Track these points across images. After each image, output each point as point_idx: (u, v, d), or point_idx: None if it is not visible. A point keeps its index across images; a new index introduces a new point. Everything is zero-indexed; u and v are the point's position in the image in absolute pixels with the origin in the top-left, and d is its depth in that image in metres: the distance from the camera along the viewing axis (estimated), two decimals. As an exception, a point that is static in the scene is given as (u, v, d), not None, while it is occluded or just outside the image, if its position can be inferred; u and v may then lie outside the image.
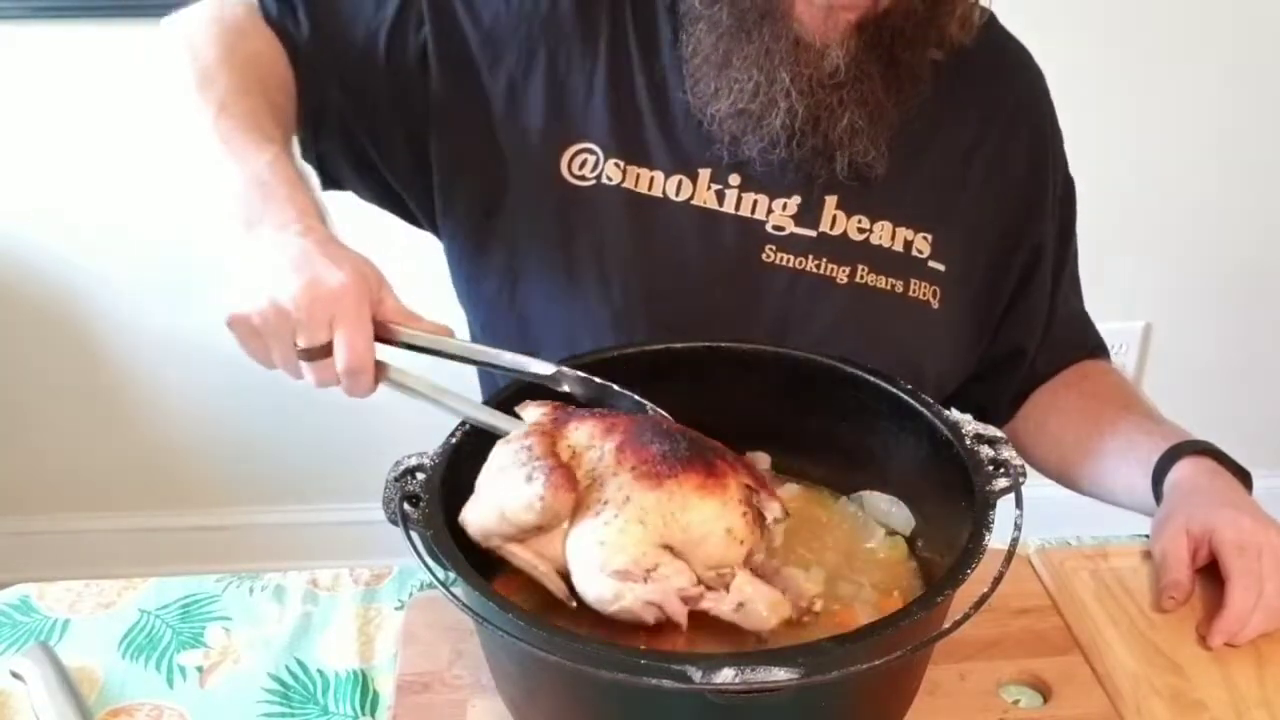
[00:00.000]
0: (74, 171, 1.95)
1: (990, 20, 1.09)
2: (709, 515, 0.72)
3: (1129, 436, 1.07)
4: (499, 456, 0.76)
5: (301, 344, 0.79)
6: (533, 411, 0.81)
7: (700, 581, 0.73)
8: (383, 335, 0.81)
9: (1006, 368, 1.15)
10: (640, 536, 0.71)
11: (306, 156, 1.07)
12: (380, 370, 0.81)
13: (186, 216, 1.96)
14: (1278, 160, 2.09)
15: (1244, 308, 2.22)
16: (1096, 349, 1.19)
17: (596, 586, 0.72)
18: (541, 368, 0.84)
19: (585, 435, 0.77)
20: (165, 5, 1.77)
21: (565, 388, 0.84)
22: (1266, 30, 1.99)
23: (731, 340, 0.91)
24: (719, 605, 0.73)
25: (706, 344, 0.90)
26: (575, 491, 0.73)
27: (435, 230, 1.11)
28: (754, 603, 0.73)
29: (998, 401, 1.18)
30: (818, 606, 0.78)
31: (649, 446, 0.74)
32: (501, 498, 0.74)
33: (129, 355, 2.10)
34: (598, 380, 0.84)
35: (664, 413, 0.81)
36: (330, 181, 1.10)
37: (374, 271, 0.82)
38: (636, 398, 0.83)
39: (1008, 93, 1.11)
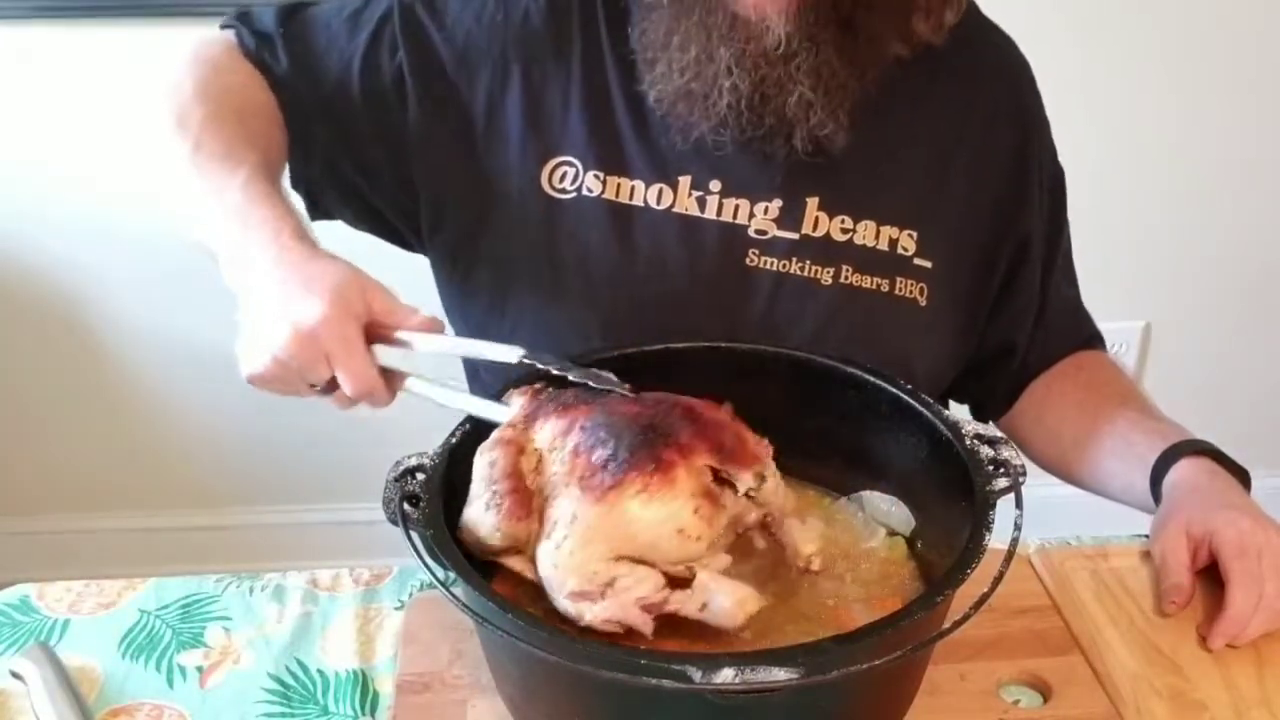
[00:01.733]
0: (74, 171, 1.95)
1: (972, 10, 1.08)
2: (654, 520, 0.71)
3: (1126, 435, 1.07)
4: (476, 468, 0.77)
5: (313, 382, 0.82)
6: (515, 402, 0.81)
7: (670, 578, 0.72)
8: (381, 339, 0.82)
9: (998, 362, 1.15)
10: (588, 556, 0.71)
11: (296, 186, 1.08)
12: (393, 379, 0.82)
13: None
14: (1278, 159, 2.10)
15: (1244, 307, 2.22)
16: (1092, 339, 1.19)
17: (562, 605, 0.73)
18: (509, 355, 0.83)
19: (549, 435, 0.77)
20: (165, 6, 1.78)
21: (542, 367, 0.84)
22: (1271, 29, 1.99)
23: (730, 341, 0.91)
24: (685, 606, 0.72)
25: (706, 344, 0.90)
26: (528, 518, 0.73)
27: (425, 252, 1.11)
28: (717, 601, 0.72)
29: (992, 396, 1.18)
30: (815, 565, 0.78)
31: (594, 450, 0.73)
32: (473, 521, 0.75)
33: (129, 355, 2.10)
34: (555, 371, 0.82)
35: (624, 390, 0.79)
36: (319, 211, 1.11)
37: (354, 281, 0.81)
38: (597, 376, 0.81)
39: (989, 86, 1.10)
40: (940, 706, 0.83)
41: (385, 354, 0.81)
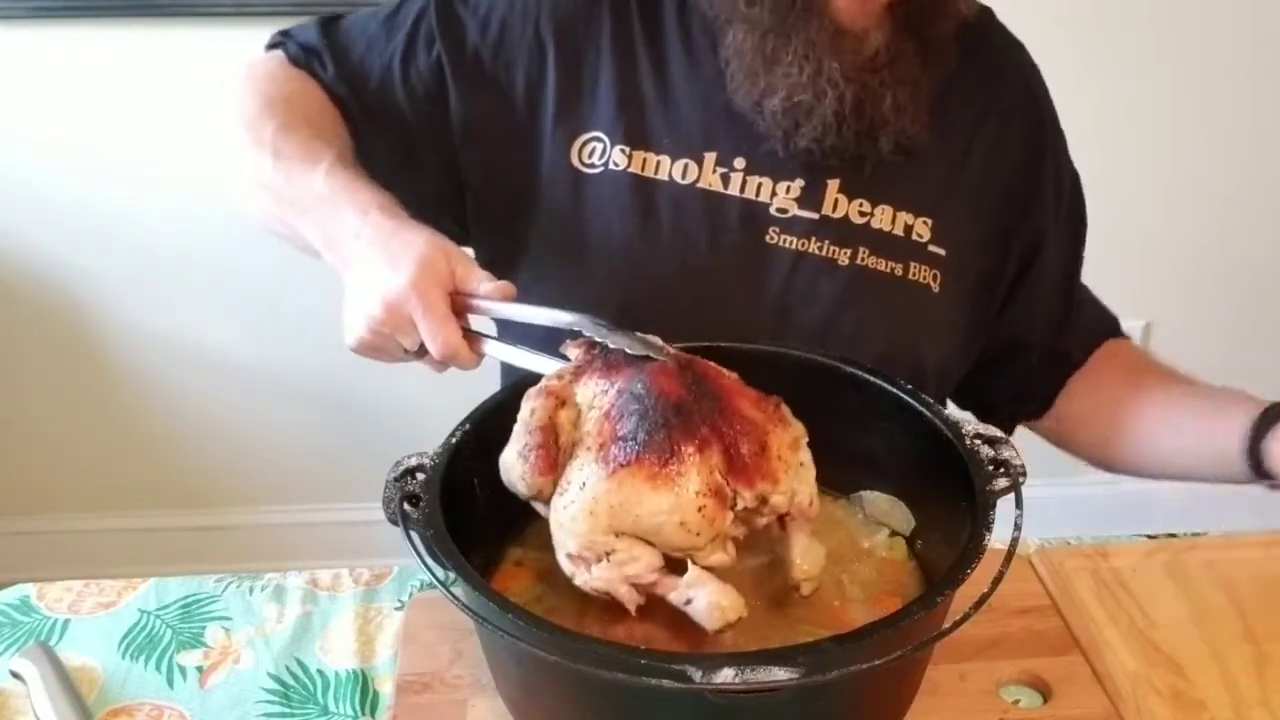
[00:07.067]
0: (74, 172, 1.95)
1: (989, 16, 1.12)
2: (659, 508, 0.70)
3: (1190, 405, 1.09)
4: (522, 408, 0.77)
5: (408, 348, 0.85)
6: (570, 353, 0.82)
7: (670, 560, 0.72)
8: (465, 306, 0.85)
9: (1011, 359, 1.16)
10: (591, 525, 0.71)
11: None
12: (477, 343, 0.85)
13: (186, 217, 1.97)
14: (1278, 159, 2.10)
15: (1244, 307, 2.22)
16: (1117, 326, 1.22)
17: (560, 561, 0.74)
18: (565, 319, 0.84)
19: (591, 392, 0.76)
20: (165, 6, 1.78)
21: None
22: (1271, 29, 1.99)
23: (731, 341, 0.91)
24: (671, 595, 0.72)
25: (705, 344, 0.90)
26: (552, 473, 0.74)
27: (468, 243, 1.13)
28: (699, 601, 0.71)
29: (1032, 394, 1.18)
30: (805, 591, 0.77)
31: (620, 420, 0.73)
32: (506, 463, 0.76)
33: (129, 355, 2.10)
34: (595, 339, 0.81)
35: (663, 357, 0.77)
36: None
37: (438, 250, 0.85)
38: (639, 341, 0.79)
39: (1006, 88, 1.12)
40: (940, 706, 0.83)
41: (470, 319, 0.85)
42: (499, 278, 1.10)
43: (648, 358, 0.77)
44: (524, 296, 1.07)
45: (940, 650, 0.74)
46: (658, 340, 0.80)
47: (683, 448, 0.71)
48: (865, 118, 1.01)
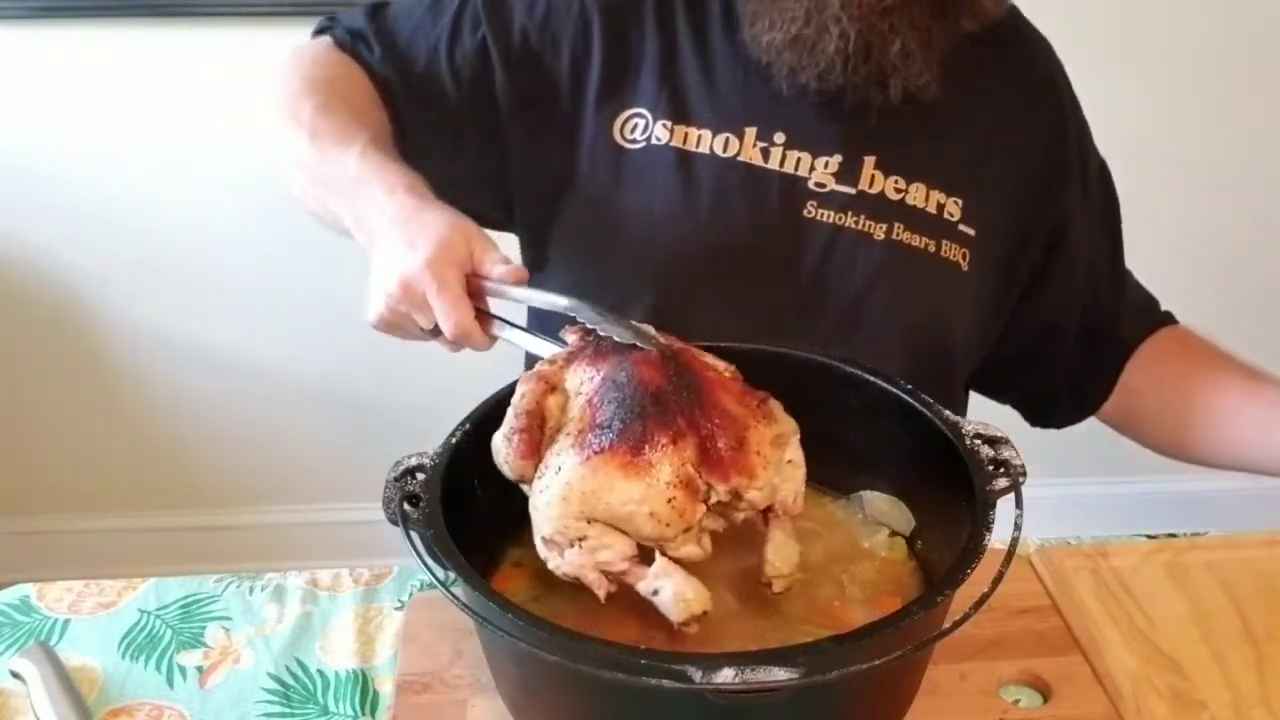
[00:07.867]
0: (74, 172, 1.95)
1: (1016, 11, 1.14)
2: (630, 496, 0.71)
3: (1264, 396, 1.10)
4: (516, 391, 0.78)
5: (424, 326, 0.86)
6: (567, 339, 0.82)
7: (643, 550, 0.73)
8: (482, 288, 0.86)
9: (1049, 341, 1.17)
10: (563, 511, 0.72)
11: None
12: (488, 323, 0.85)
13: (187, 217, 1.97)
14: (1278, 158, 2.10)
15: (1244, 307, 2.21)
16: (1167, 312, 1.22)
17: (537, 545, 0.74)
18: (563, 304, 0.85)
19: (579, 379, 0.77)
20: (165, 6, 1.78)
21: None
22: (1266, 26, 1.99)
23: (730, 341, 0.91)
24: (640, 585, 0.73)
25: (704, 344, 0.90)
26: (535, 458, 0.74)
27: (508, 227, 1.14)
28: (665, 592, 0.72)
29: (1071, 380, 1.19)
30: (776, 588, 0.77)
31: (600, 408, 0.73)
32: (495, 445, 0.77)
33: (130, 355, 2.10)
34: (588, 325, 0.82)
35: (649, 346, 0.77)
36: None
37: (459, 230, 0.86)
38: (630, 330, 0.79)
39: (1033, 78, 1.15)
40: (940, 706, 0.83)
41: (489, 302, 0.86)
42: (538, 255, 1.13)
43: (635, 346, 0.77)
44: (560, 274, 1.09)
45: (940, 650, 0.74)
46: (649, 329, 0.80)
47: (657, 438, 0.71)
48: (872, 61, 1.01)
